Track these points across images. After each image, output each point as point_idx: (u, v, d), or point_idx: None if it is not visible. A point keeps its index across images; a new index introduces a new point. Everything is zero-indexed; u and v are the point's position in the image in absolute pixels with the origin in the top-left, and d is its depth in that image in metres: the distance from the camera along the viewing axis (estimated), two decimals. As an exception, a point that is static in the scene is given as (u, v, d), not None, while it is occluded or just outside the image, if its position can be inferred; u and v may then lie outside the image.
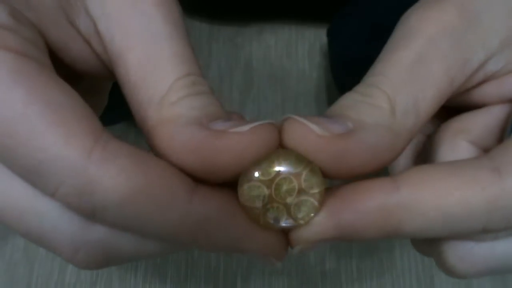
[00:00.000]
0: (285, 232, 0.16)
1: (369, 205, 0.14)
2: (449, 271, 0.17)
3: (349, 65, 0.37)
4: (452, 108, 0.18)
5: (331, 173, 0.15)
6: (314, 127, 0.14)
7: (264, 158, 0.15)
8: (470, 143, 0.17)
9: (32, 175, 0.13)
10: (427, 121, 0.16)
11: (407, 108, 0.15)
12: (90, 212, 0.13)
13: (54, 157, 0.13)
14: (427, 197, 0.14)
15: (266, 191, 0.15)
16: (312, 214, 0.15)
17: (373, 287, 0.41)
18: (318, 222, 0.15)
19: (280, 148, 0.15)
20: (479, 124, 0.18)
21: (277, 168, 0.15)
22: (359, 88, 0.16)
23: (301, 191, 0.15)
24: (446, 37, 0.16)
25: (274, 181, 0.15)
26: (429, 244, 0.16)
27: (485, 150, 0.18)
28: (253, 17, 0.49)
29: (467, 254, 0.16)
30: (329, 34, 0.42)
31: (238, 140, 0.14)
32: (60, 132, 0.13)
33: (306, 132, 0.14)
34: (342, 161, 0.14)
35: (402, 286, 0.41)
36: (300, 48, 0.49)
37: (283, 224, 0.15)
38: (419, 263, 0.41)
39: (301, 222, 0.15)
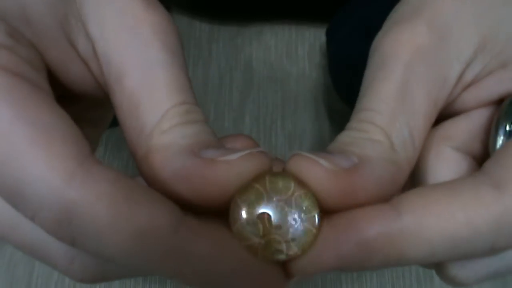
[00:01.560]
0: (282, 264, 0.15)
1: (371, 234, 0.14)
2: (450, 281, 0.16)
3: (345, 62, 0.37)
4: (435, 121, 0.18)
5: (334, 205, 0.14)
6: (322, 161, 0.14)
7: (251, 186, 0.14)
8: (455, 149, 0.17)
9: (11, 197, 0.13)
10: (421, 149, 0.16)
11: (404, 140, 0.15)
12: (69, 240, 0.13)
13: (33, 178, 0.12)
14: (431, 222, 0.14)
15: (259, 226, 0.14)
16: (309, 241, 0.14)
17: (373, 287, 0.41)
18: (319, 253, 0.14)
19: (269, 173, 0.15)
20: (461, 130, 0.17)
21: (262, 208, 0.14)
22: (353, 124, 0.16)
23: (295, 217, 0.14)
24: (421, 59, 0.16)
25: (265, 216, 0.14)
26: None
27: (470, 154, 0.17)
28: (253, 18, 0.49)
29: (469, 264, 0.15)
30: (328, 34, 0.42)
31: (226, 168, 0.14)
32: (42, 154, 0.12)
33: (314, 167, 0.14)
34: (349, 195, 0.14)
35: (402, 286, 0.41)
36: (300, 48, 0.49)
37: (283, 257, 0.14)
38: (419, 263, 0.42)
39: (300, 252, 0.14)
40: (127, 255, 0.13)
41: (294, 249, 0.14)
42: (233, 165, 0.14)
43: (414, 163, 0.16)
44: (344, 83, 0.39)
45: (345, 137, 0.16)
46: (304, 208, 0.14)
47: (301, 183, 0.14)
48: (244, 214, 0.14)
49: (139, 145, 0.15)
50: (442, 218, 0.14)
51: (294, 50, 0.48)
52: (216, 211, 0.14)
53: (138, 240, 0.13)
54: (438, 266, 0.16)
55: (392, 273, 0.41)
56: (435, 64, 0.16)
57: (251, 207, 0.14)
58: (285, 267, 0.15)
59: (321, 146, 0.45)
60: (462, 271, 0.15)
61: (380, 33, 0.17)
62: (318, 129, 0.46)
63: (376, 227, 0.14)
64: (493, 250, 0.14)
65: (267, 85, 0.47)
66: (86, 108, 0.18)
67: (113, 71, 0.15)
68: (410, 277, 0.41)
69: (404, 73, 0.16)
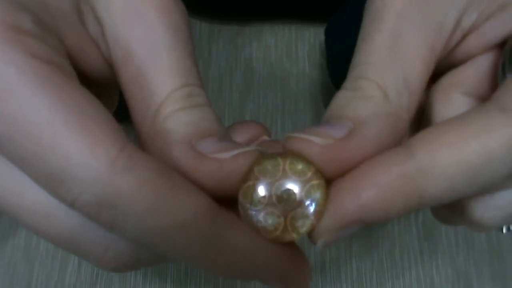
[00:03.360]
0: (305, 260, 0.15)
1: (389, 177, 0.14)
2: (476, 225, 0.16)
3: (343, 58, 0.37)
4: (441, 74, 0.18)
5: (337, 176, 0.14)
6: (315, 139, 0.14)
7: (250, 176, 0.14)
8: (464, 95, 0.17)
9: (52, 183, 0.13)
10: (421, 94, 0.16)
11: (398, 88, 0.15)
12: (110, 224, 0.13)
13: (77, 164, 0.12)
14: (445, 154, 0.13)
15: (273, 212, 0.14)
16: (322, 204, 0.14)
17: (373, 287, 0.41)
18: (339, 205, 0.14)
19: (259, 159, 0.15)
20: (468, 75, 0.17)
21: (260, 191, 0.14)
22: (347, 84, 0.16)
23: (304, 185, 0.14)
24: (413, 7, 0.16)
25: (272, 199, 0.14)
26: (451, 204, 0.16)
27: (480, 98, 0.17)
28: (253, 18, 0.49)
29: (492, 200, 0.15)
30: (326, 33, 0.42)
31: (218, 166, 0.14)
32: (85, 140, 0.12)
33: (309, 146, 0.14)
34: (351, 162, 0.14)
35: (402, 286, 0.41)
36: (300, 48, 0.49)
37: (304, 229, 0.14)
38: (419, 263, 0.41)
39: (315, 221, 0.14)
40: (166, 242, 0.13)
41: (311, 219, 0.14)
42: (226, 163, 0.14)
43: (414, 109, 0.16)
44: (342, 78, 0.38)
45: (339, 99, 0.16)
46: (309, 176, 0.14)
47: (299, 157, 0.14)
48: (258, 196, 0.14)
49: (142, 127, 0.15)
50: (455, 148, 0.13)
51: (294, 50, 0.48)
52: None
53: (178, 227, 0.13)
54: (463, 211, 0.16)
55: (392, 273, 0.41)
56: (429, 11, 0.16)
57: (252, 197, 0.14)
58: (310, 234, 0.15)
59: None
60: (488, 211, 0.15)
61: None
62: (318, 129, 0.46)
63: (392, 170, 0.14)
64: (511, 176, 0.14)
65: (267, 85, 0.47)
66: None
67: (120, 51, 0.15)
68: (410, 277, 0.41)
69: (396, 21, 0.16)
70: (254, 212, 0.14)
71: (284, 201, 0.14)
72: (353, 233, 0.15)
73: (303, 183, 0.14)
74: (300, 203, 0.14)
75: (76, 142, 0.12)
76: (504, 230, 0.18)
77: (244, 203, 0.14)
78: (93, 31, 0.16)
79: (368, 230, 0.42)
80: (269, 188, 0.14)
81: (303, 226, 0.14)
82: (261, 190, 0.14)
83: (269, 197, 0.14)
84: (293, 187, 0.14)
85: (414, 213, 0.43)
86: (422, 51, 0.16)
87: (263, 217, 0.14)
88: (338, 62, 0.39)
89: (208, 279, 0.41)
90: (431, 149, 0.14)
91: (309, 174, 0.14)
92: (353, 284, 0.41)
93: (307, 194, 0.14)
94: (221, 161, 0.14)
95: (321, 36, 0.46)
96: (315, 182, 0.14)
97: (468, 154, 0.13)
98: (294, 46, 0.48)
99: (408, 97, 0.15)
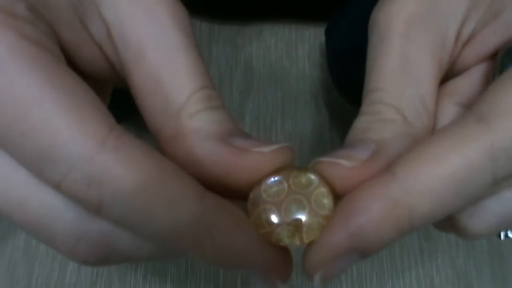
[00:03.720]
0: (290, 254, 0.16)
1: (374, 202, 0.14)
2: (462, 233, 0.16)
3: (343, 57, 0.37)
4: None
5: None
6: (342, 161, 0.14)
7: (273, 175, 0.15)
8: (458, 105, 0.17)
9: (39, 162, 0.13)
10: (435, 109, 0.16)
11: (416, 110, 0.15)
12: (96, 203, 0.13)
13: (66, 142, 0.12)
14: (427, 170, 0.14)
15: (276, 211, 0.15)
16: (320, 231, 0.15)
17: (373, 287, 0.41)
18: (329, 235, 0.14)
19: (291, 167, 0.15)
20: (463, 86, 0.18)
21: (284, 200, 0.15)
22: (365, 109, 0.16)
23: (311, 211, 0.15)
24: (416, 26, 0.16)
25: (284, 201, 0.15)
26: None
27: None
28: (253, 18, 0.49)
29: (480, 210, 0.15)
30: (326, 33, 0.42)
31: (259, 159, 0.14)
32: (75, 118, 0.13)
33: (336, 169, 0.14)
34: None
35: (402, 286, 0.41)
36: (300, 48, 0.49)
37: (296, 241, 0.15)
38: (419, 263, 0.41)
39: (310, 239, 0.15)
40: (152, 222, 0.13)
41: (306, 236, 0.15)
42: (267, 156, 0.14)
43: (432, 128, 0.16)
44: (343, 78, 0.39)
45: (360, 123, 0.16)
46: (322, 203, 0.15)
47: (322, 179, 0.15)
48: (265, 203, 0.15)
49: (164, 126, 0.15)
50: (435, 162, 0.13)
51: (294, 50, 0.48)
52: (234, 195, 0.15)
53: (165, 206, 0.13)
54: (454, 222, 0.16)
55: (392, 273, 0.41)
56: (431, 27, 0.16)
57: (273, 197, 0.15)
58: (304, 265, 0.15)
59: (321, 146, 0.45)
60: (472, 221, 0.15)
61: (375, 9, 0.17)
62: (318, 129, 0.46)
63: (375, 194, 0.14)
64: (496, 183, 0.14)
65: (267, 85, 0.47)
66: None
67: (131, 52, 0.15)
68: (410, 277, 0.41)
69: (402, 44, 0.16)
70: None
71: (293, 209, 0.15)
72: (352, 264, 0.15)
73: (319, 208, 0.15)
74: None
75: (65, 120, 0.12)
76: (502, 237, 0.18)
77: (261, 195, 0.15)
78: (97, 31, 0.16)
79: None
80: (279, 214, 0.15)
81: (308, 238, 0.15)
82: (273, 217, 0.15)
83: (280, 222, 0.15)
84: (309, 209, 0.15)
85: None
86: (432, 70, 0.16)
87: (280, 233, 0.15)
88: (338, 63, 0.39)
89: (208, 279, 0.41)
90: (413, 168, 0.14)
91: (327, 204, 0.15)
92: (353, 284, 0.41)
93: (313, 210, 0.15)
94: (264, 154, 0.14)
95: (321, 36, 0.46)
96: (329, 208, 0.15)
97: (450, 167, 0.13)
98: (294, 46, 0.48)
99: (426, 117, 0.15)
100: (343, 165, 0.14)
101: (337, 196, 0.15)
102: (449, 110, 0.17)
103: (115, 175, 0.12)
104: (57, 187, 0.13)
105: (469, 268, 0.41)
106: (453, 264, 0.41)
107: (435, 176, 0.13)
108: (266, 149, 0.15)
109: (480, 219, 0.15)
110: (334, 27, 0.41)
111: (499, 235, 0.18)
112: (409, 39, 0.16)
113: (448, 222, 0.16)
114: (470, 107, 0.14)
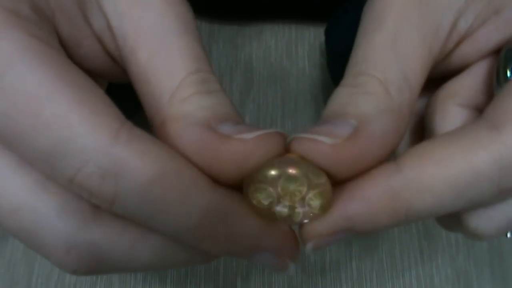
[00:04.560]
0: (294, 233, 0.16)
1: (374, 191, 0.14)
2: (473, 235, 0.16)
3: (343, 58, 0.37)
4: (438, 82, 0.18)
5: (346, 176, 0.15)
6: (323, 138, 0.14)
7: (267, 164, 0.15)
8: (461, 106, 0.17)
9: (51, 158, 0.13)
10: (419, 94, 0.16)
11: (400, 85, 0.15)
12: (110, 197, 0.13)
13: (80, 136, 0.12)
14: (431, 170, 0.14)
15: (273, 192, 0.15)
16: (318, 211, 0.15)
17: (373, 287, 0.41)
18: (327, 215, 0.15)
19: (285, 155, 0.15)
20: (464, 85, 0.18)
21: (278, 172, 0.15)
22: (347, 80, 0.16)
23: (308, 190, 0.15)
24: (413, 8, 0.16)
25: (280, 182, 0.15)
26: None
27: (477, 109, 0.17)
28: (253, 18, 0.49)
29: (485, 213, 0.15)
30: (327, 34, 0.42)
31: (241, 146, 0.14)
32: (88, 112, 0.13)
33: (317, 147, 0.14)
34: (358, 162, 0.14)
35: (402, 286, 0.41)
36: (300, 48, 0.49)
37: (295, 219, 0.15)
38: (419, 263, 0.41)
39: (310, 217, 0.15)
40: (168, 213, 0.13)
41: (305, 215, 0.15)
42: (249, 144, 0.14)
43: (413, 107, 0.16)
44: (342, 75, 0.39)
45: (340, 95, 0.16)
46: (317, 185, 0.15)
47: (308, 161, 0.15)
48: (260, 177, 0.14)
49: (157, 113, 0.15)
50: (441, 164, 0.13)
51: (294, 50, 0.48)
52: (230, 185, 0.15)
53: (181, 197, 0.13)
54: (458, 222, 0.16)
55: (392, 273, 0.41)
56: (428, 13, 0.16)
57: (268, 173, 0.15)
58: (300, 232, 0.16)
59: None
60: (481, 222, 0.15)
61: None
62: (318, 129, 0.46)
63: (378, 185, 0.14)
64: (502, 193, 0.14)
65: (267, 85, 0.47)
66: None
67: (128, 43, 0.15)
68: (410, 277, 0.41)
69: (397, 21, 0.16)
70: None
71: (290, 189, 0.15)
72: (344, 239, 0.15)
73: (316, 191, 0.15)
74: (302, 201, 0.15)
75: (79, 114, 0.12)
76: (509, 235, 0.18)
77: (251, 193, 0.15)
78: (98, 25, 0.16)
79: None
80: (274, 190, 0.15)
81: (298, 219, 0.15)
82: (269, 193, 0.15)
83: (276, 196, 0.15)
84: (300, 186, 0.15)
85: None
86: (421, 52, 0.16)
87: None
88: (338, 63, 0.39)
89: (208, 279, 0.41)
90: (418, 165, 0.14)
91: (324, 187, 0.15)
92: (353, 284, 0.41)
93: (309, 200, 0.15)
94: (245, 141, 0.14)
95: (321, 36, 0.46)
96: (326, 188, 0.15)
97: (454, 171, 0.13)
98: (294, 46, 0.48)
99: (409, 94, 0.15)
100: (324, 142, 0.14)
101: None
102: (452, 112, 0.17)
103: (131, 167, 0.12)
104: (70, 182, 0.13)
105: (469, 268, 0.41)
106: (453, 264, 0.41)
107: (439, 178, 0.13)
108: (249, 135, 0.14)
109: (489, 220, 0.15)
110: (334, 27, 0.41)
111: (506, 234, 0.18)
112: (404, 18, 0.16)
113: (456, 222, 0.16)
114: (484, 112, 0.14)
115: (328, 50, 0.42)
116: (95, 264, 0.14)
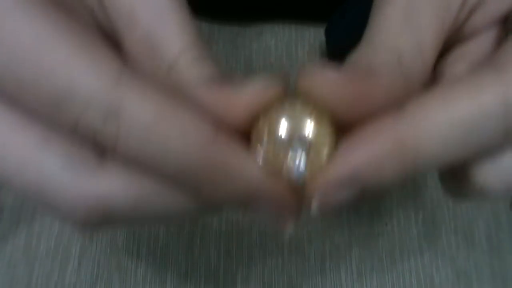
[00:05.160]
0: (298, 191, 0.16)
1: (380, 138, 0.14)
2: (481, 192, 0.16)
3: (343, 56, 0.37)
4: (447, 51, 0.18)
5: (348, 114, 0.15)
6: (331, 72, 0.15)
7: (273, 109, 0.15)
8: (469, 66, 0.17)
9: (55, 103, 0.13)
10: (432, 64, 0.16)
11: (413, 54, 0.16)
12: (113, 138, 0.13)
13: (82, 79, 0.13)
14: (437, 112, 0.13)
15: (280, 134, 0.15)
16: (325, 160, 0.15)
17: (373, 287, 0.41)
18: (332, 166, 0.14)
19: (285, 98, 0.15)
20: (474, 49, 0.18)
21: (282, 129, 0.15)
22: (361, 46, 0.16)
23: (312, 141, 0.15)
24: None
25: (286, 126, 0.15)
26: (454, 171, 0.15)
27: None
28: (253, 18, 0.49)
29: (493, 163, 0.15)
30: (326, 34, 0.42)
31: (249, 98, 0.15)
32: (88, 56, 0.13)
33: (324, 78, 0.15)
34: (361, 101, 0.14)
35: (402, 286, 0.41)
36: (300, 48, 0.49)
37: (301, 169, 0.15)
38: (419, 263, 0.42)
39: (314, 165, 0.15)
40: (168, 156, 0.13)
41: (313, 163, 0.15)
42: (257, 93, 0.15)
43: (425, 77, 0.16)
44: None
45: (354, 55, 0.16)
46: (320, 128, 0.15)
47: (315, 105, 0.15)
48: (265, 139, 0.15)
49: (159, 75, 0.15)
50: (448, 105, 0.13)
51: (294, 50, 0.48)
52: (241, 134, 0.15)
53: (181, 141, 0.13)
54: (466, 177, 0.16)
55: (392, 273, 0.41)
56: None
57: (271, 130, 0.15)
58: (305, 186, 0.15)
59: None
60: (489, 173, 0.15)
61: None
62: (318, 129, 0.46)
63: (383, 132, 0.14)
64: (509, 135, 0.14)
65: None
66: None
67: (124, 17, 0.16)
68: (410, 277, 0.41)
69: None
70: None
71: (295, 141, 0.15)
72: (351, 201, 0.15)
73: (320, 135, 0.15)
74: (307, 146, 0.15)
75: (80, 58, 0.13)
76: None
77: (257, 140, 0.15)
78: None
79: (368, 230, 0.42)
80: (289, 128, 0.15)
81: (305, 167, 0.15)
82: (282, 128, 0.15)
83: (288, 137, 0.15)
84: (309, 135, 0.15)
85: (413, 211, 0.43)
86: (434, 24, 0.16)
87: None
88: (339, 63, 0.39)
89: (208, 279, 0.41)
90: (424, 108, 0.14)
91: (326, 127, 0.15)
92: (353, 284, 0.41)
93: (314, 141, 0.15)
94: (251, 92, 0.15)
95: (321, 36, 0.46)
96: (329, 132, 0.15)
97: (461, 112, 0.13)
98: (294, 46, 0.49)
99: (421, 64, 0.16)
100: (329, 73, 0.15)
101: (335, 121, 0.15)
102: (460, 71, 0.17)
103: (133, 107, 0.13)
104: (74, 126, 0.13)
105: (469, 268, 0.41)
106: (453, 264, 0.41)
107: (445, 119, 0.13)
108: (254, 86, 0.15)
109: (497, 172, 0.15)
110: (333, 27, 0.41)
111: (511, 205, 0.18)
112: None
113: (463, 178, 0.16)
114: (490, 57, 0.15)
115: (329, 50, 0.42)
116: (104, 215, 0.15)
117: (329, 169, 0.14)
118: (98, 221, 0.15)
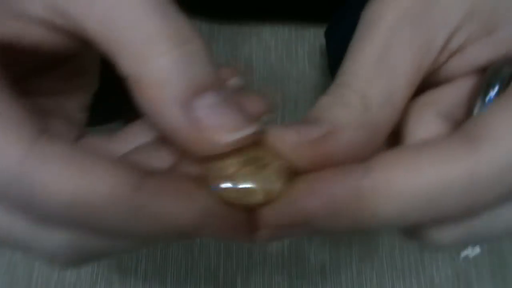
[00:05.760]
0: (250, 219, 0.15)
1: (339, 190, 0.13)
2: (431, 245, 0.16)
3: (344, 56, 0.37)
4: (420, 90, 0.18)
5: (308, 169, 0.15)
6: (292, 133, 0.14)
7: (231, 153, 0.15)
8: (438, 116, 0.17)
9: None
10: (403, 109, 0.16)
11: (382, 101, 0.15)
12: (42, 216, 0.13)
13: None
14: (400, 177, 0.13)
15: (234, 164, 0.15)
16: (275, 186, 0.15)
17: (373, 287, 0.41)
18: (284, 206, 0.14)
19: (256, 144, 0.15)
20: (445, 96, 0.17)
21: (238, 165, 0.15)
22: (331, 89, 0.16)
23: (270, 165, 0.15)
24: (406, 23, 0.16)
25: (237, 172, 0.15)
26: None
27: (453, 122, 0.17)
28: (253, 18, 0.49)
29: (451, 225, 0.15)
30: (326, 35, 0.42)
31: (214, 145, 0.14)
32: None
33: (286, 138, 0.14)
34: (321, 161, 0.14)
35: (402, 286, 0.41)
36: (299, 48, 0.49)
37: (253, 200, 0.15)
38: (419, 263, 0.42)
39: (267, 196, 0.15)
40: (91, 224, 0.13)
41: (260, 197, 0.15)
42: (221, 146, 0.14)
43: (394, 123, 0.15)
44: None
45: (321, 103, 0.16)
46: (276, 168, 0.15)
47: (275, 154, 0.15)
48: (223, 186, 0.14)
49: (129, 70, 0.14)
50: (412, 173, 0.13)
51: (294, 50, 0.48)
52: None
53: (101, 206, 0.13)
54: (419, 230, 0.15)
55: (392, 273, 0.41)
56: (421, 29, 0.16)
57: (230, 166, 0.15)
58: (253, 219, 0.15)
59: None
60: (443, 235, 0.15)
61: (369, 1, 0.17)
62: (318, 129, 0.46)
63: (344, 183, 0.13)
64: (469, 210, 0.13)
65: (267, 85, 0.47)
66: (68, 76, 0.18)
67: (78, 7, 0.14)
68: (410, 277, 0.41)
69: (387, 35, 0.16)
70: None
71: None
72: (301, 235, 0.15)
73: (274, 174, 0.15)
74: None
75: None
76: (462, 256, 0.18)
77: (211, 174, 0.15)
78: (42, 10, 0.15)
79: (368, 230, 0.42)
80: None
81: (256, 198, 0.15)
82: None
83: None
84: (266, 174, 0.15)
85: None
86: (409, 70, 0.16)
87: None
88: (339, 64, 0.39)
89: (208, 279, 0.41)
90: (388, 171, 0.13)
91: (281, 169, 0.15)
92: (353, 284, 0.41)
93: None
94: (217, 141, 0.14)
95: (321, 37, 0.46)
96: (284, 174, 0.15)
97: (424, 182, 0.13)
98: (294, 47, 0.49)
99: (390, 111, 0.15)
100: (290, 136, 0.14)
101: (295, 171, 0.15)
102: (428, 120, 0.17)
103: (42, 190, 0.13)
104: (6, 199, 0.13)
105: (469, 268, 0.41)
106: (453, 264, 0.41)
107: (407, 186, 0.13)
108: (226, 138, 0.14)
109: (452, 234, 0.15)
110: (334, 28, 0.41)
111: (463, 252, 0.18)
112: (395, 32, 0.16)
113: (417, 230, 0.16)
114: (461, 127, 0.14)
115: (329, 52, 0.42)
116: (80, 258, 0.15)
117: (282, 207, 0.14)
118: (79, 261, 0.15)
